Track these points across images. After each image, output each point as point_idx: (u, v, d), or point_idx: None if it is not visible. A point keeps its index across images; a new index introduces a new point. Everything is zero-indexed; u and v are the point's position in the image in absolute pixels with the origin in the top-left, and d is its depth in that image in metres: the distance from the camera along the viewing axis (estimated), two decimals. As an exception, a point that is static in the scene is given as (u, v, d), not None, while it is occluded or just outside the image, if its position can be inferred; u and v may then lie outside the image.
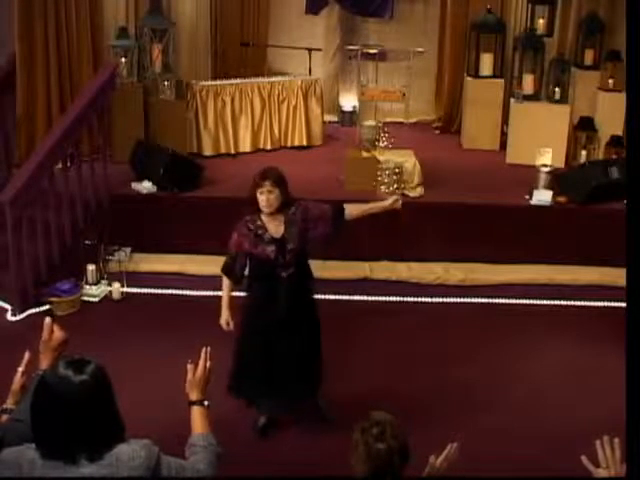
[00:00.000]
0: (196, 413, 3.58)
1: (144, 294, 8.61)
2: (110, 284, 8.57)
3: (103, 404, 3.08)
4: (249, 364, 6.11)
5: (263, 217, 5.87)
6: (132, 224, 9.03)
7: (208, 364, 3.67)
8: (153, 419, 6.01)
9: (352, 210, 6.21)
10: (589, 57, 11.23)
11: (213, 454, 3.43)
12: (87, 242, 8.64)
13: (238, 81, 10.86)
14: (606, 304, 8.68)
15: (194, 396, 3.61)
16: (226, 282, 6.06)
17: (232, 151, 10.71)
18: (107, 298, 8.49)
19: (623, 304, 8.62)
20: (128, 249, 8.98)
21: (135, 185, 9.32)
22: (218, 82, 10.86)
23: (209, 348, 3.71)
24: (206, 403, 3.61)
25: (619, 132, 10.60)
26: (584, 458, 3.26)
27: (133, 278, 8.71)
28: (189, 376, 3.63)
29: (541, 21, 11.41)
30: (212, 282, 8.66)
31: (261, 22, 12.06)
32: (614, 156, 10.28)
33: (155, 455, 3.14)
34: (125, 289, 8.59)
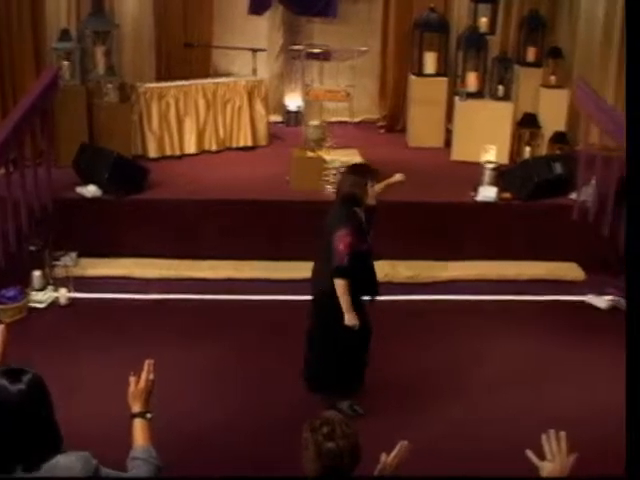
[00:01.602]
0: (138, 425, 3.54)
1: (91, 299, 8.52)
2: (57, 289, 8.48)
3: (40, 414, 3.05)
4: (356, 354, 6.45)
5: (358, 211, 6.18)
6: (78, 229, 8.96)
7: (151, 376, 3.65)
8: (101, 427, 5.98)
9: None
10: (531, 54, 11.33)
11: (154, 467, 3.41)
12: (32, 248, 8.55)
13: (182, 83, 10.81)
14: (552, 297, 8.77)
15: (136, 408, 3.58)
16: (345, 284, 6.08)
17: (177, 153, 10.66)
18: (54, 304, 8.39)
19: (570, 297, 8.76)
20: (74, 254, 8.91)
21: (80, 189, 9.24)
22: (162, 84, 10.81)
23: (152, 361, 3.70)
24: (148, 415, 3.59)
25: (562, 128, 10.74)
26: (529, 452, 3.29)
27: (80, 283, 8.63)
28: (131, 388, 3.61)
29: (484, 19, 11.49)
30: (160, 285, 8.68)
31: (205, 23, 11.99)
32: (557, 152, 10.40)
33: (93, 467, 3.11)
34: (72, 294, 8.50)
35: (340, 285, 6.07)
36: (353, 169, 6.37)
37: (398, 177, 6.91)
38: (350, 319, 6.12)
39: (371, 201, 6.24)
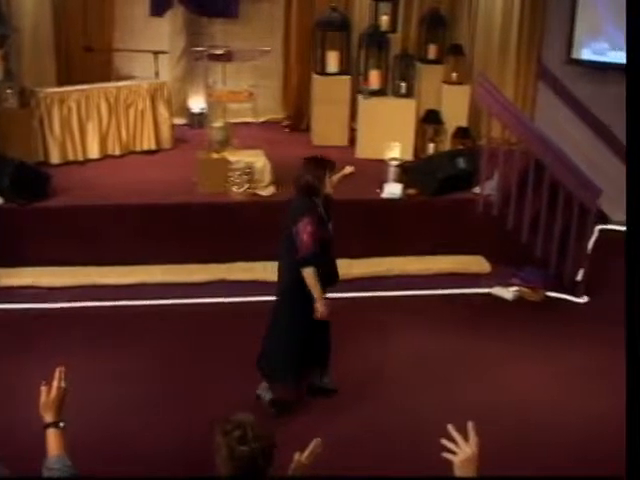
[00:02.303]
0: (51, 435, 3.51)
1: (-3, 310, 8.37)
2: (-40, 301, 8.31)
3: None
4: (310, 343, 6.51)
5: (317, 202, 6.22)
6: (-20, 238, 8.77)
7: (63, 385, 3.60)
8: (15, 440, 5.89)
9: None
10: (432, 52, 11.46)
11: (68, 475, 3.37)
12: None
13: (84, 87, 10.62)
14: (460, 291, 8.91)
15: (49, 418, 3.54)
16: (314, 273, 6.16)
17: (80, 158, 10.48)
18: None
19: (477, 290, 8.89)
20: (-23, 264, 8.73)
21: (-20, 198, 9.05)
22: (63, 88, 10.61)
23: (63, 368, 3.65)
24: (61, 425, 3.54)
25: (464, 124, 10.89)
26: (445, 453, 3.30)
27: (-16, 294, 8.47)
28: (43, 397, 3.56)
29: (385, 17, 11.57)
30: (68, 293, 8.55)
31: (105, 26, 11.85)
32: (460, 147, 10.54)
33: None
34: (-24, 305, 8.34)
35: (308, 274, 6.15)
36: (309, 161, 6.44)
37: (349, 169, 7.18)
38: (320, 307, 6.22)
39: (329, 190, 6.38)
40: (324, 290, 6.33)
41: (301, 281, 6.22)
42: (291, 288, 6.34)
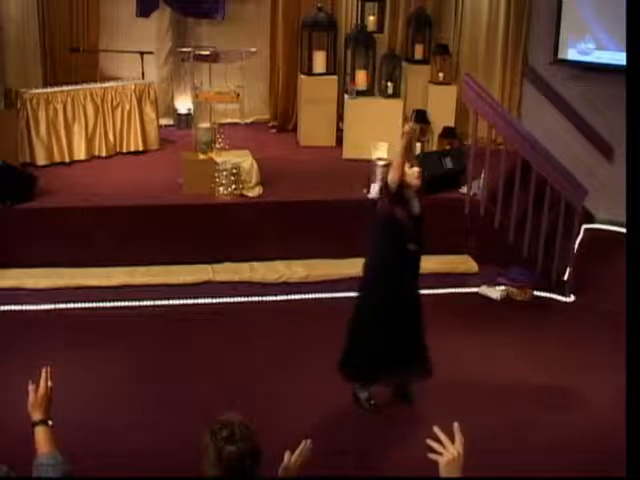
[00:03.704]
0: (41, 434, 3.50)
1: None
2: (-55, 303, 8.26)
3: None
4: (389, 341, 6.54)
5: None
6: (-35, 240, 8.73)
7: (49, 384, 3.59)
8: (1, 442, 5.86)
9: (391, 177, 6.37)
10: (419, 52, 11.51)
11: (63, 472, 3.36)
12: None
13: (70, 88, 10.61)
14: (447, 291, 8.91)
15: (37, 416, 3.53)
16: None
17: (66, 160, 10.45)
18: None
19: (464, 289, 8.90)
20: (-39, 266, 8.69)
21: (-34, 200, 9.00)
22: (49, 89, 10.58)
23: (50, 368, 3.64)
24: (50, 423, 3.53)
25: (451, 123, 10.90)
26: (431, 454, 3.30)
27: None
28: (31, 397, 3.55)
29: (371, 18, 11.61)
30: (52, 295, 8.50)
31: (91, 26, 11.83)
32: (447, 147, 10.54)
33: None
34: (-39, 308, 8.29)
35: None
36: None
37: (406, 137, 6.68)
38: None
39: (412, 180, 6.43)
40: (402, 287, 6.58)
41: (384, 277, 6.44)
42: (372, 286, 6.53)
